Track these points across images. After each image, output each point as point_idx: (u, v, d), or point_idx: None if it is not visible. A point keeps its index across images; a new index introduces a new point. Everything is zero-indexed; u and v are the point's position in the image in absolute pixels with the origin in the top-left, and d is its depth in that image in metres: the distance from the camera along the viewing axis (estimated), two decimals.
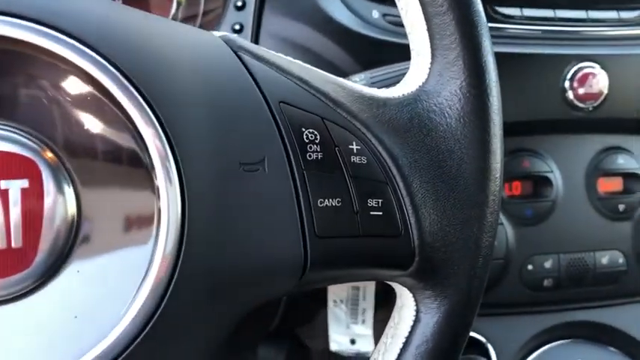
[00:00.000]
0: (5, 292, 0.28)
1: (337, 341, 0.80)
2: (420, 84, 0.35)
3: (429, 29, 0.35)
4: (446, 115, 0.34)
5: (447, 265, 0.34)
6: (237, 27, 0.63)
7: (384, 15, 0.63)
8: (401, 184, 0.34)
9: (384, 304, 0.78)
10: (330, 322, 0.80)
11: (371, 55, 0.62)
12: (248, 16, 0.62)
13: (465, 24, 0.34)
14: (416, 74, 0.36)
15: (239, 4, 0.63)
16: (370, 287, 0.77)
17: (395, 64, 0.52)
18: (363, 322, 0.78)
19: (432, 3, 0.34)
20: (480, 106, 0.34)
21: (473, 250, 0.35)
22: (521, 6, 0.69)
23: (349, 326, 0.79)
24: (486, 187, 0.35)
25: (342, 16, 0.62)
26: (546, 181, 0.72)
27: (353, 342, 0.80)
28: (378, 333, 0.78)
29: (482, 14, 0.35)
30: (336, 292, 0.79)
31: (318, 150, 0.32)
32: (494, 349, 0.71)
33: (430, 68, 0.35)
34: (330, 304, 0.80)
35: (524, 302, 0.72)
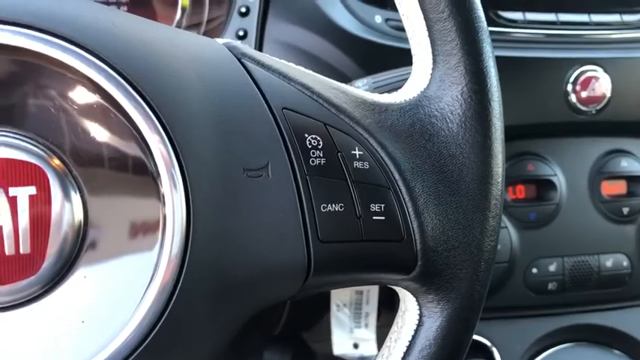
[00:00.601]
0: (13, 297, 0.29)
1: (340, 345, 0.80)
2: (422, 89, 0.35)
3: (430, 35, 0.35)
4: (447, 120, 0.35)
5: (449, 269, 0.34)
6: (241, 33, 0.63)
7: (387, 20, 0.64)
8: (403, 189, 0.34)
9: (388, 308, 0.78)
10: (332, 327, 0.80)
11: (373, 60, 0.62)
12: (252, 23, 0.63)
13: (466, 30, 0.34)
14: (417, 80, 0.36)
15: (243, 10, 0.63)
16: (374, 291, 0.77)
17: (397, 70, 0.52)
18: (366, 326, 0.78)
19: (434, 9, 0.34)
20: (482, 110, 0.35)
21: (475, 254, 0.35)
22: (523, 10, 0.69)
23: (352, 330, 0.79)
24: (488, 192, 0.35)
25: (345, 21, 0.63)
26: (550, 185, 0.72)
27: (356, 346, 0.80)
28: (381, 338, 0.78)
29: (483, 20, 0.35)
30: (339, 297, 0.79)
31: (321, 156, 0.33)
32: (499, 352, 0.71)
33: (432, 74, 0.35)
34: (333, 308, 0.80)
35: (529, 305, 0.72)
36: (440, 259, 0.34)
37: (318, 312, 0.83)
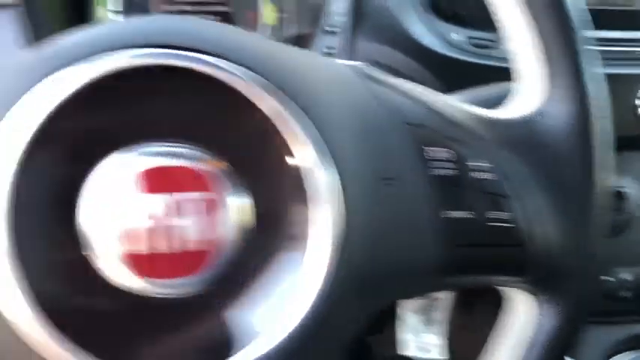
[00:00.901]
0: (175, 290, 0.32)
1: (406, 347, 0.82)
2: (535, 107, 0.39)
3: (543, 58, 0.38)
4: (557, 135, 0.38)
5: (560, 273, 0.38)
6: (329, 51, 0.67)
7: (469, 38, 0.67)
8: (519, 198, 0.37)
9: (458, 314, 0.81)
10: (398, 328, 0.82)
11: (454, 76, 0.65)
12: (339, 41, 0.67)
13: (575, 54, 0.38)
14: (529, 98, 0.39)
15: (330, 29, 0.67)
16: (447, 299, 0.80)
17: (489, 87, 0.55)
18: (436, 332, 0.81)
19: (548, 35, 0.38)
20: (589, 128, 0.38)
21: (582, 259, 0.38)
22: (594, 29, 0.71)
23: (420, 335, 0.82)
24: (594, 203, 0.38)
25: (427, 39, 0.66)
26: (622, 196, 0.74)
27: (423, 350, 0.82)
28: (455, 342, 0.80)
29: (589, 44, 0.39)
30: (410, 300, 0.81)
31: (445, 167, 0.36)
32: (573, 357, 0.73)
33: (544, 93, 0.39)
34: (401, 310, 0.82)
35: (602, 312, 0.74)
36: (552, 263, 0.37)
37: (386, 316, 0.85)
